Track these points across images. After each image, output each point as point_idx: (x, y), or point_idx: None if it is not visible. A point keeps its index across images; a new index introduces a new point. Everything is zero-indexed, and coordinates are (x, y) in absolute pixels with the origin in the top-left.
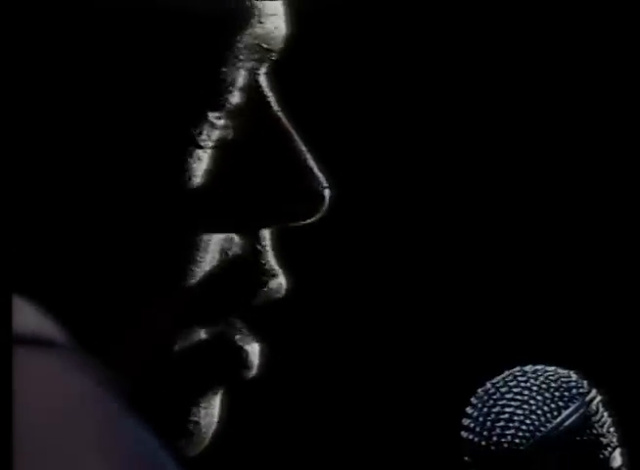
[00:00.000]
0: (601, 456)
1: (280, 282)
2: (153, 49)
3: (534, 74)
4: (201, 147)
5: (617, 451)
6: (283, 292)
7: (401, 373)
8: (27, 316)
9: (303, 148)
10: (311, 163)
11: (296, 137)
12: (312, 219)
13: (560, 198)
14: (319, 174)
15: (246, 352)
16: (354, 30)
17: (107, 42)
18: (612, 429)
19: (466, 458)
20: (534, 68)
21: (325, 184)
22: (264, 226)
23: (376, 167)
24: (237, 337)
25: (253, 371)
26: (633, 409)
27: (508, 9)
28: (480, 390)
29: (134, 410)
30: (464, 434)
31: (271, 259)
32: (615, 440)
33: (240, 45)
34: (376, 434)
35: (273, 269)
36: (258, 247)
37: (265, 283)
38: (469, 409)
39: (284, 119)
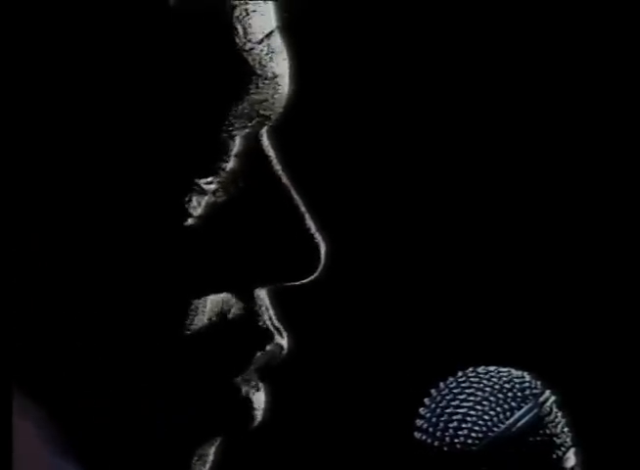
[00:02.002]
0: (554, 456)
1: (278, 344)
2: (141, 115)
3: (535, 76)
4: (190, 215)
5: (571, 451)
6: (283, 354)
7: (356, 376)
8: None
9: (302, 207)
10: (309, 222)
11: (294, 196)
12: (309, 279)
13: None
14: (316, 233)
15: (249, 403)
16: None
17: (99, 111)
18: (565, 429)
19: (419, 459)
20: (535, 69)
21: (322, 243)
22: (258, 285)
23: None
24: (241, 387)
25: (256, 423)
26: (587, 410)
27: (508, 9)
28: (432, 391)
29: None
30: (417, 435)
31: (270, 320)
32: (568, 440)
33: (234, 113)
34: (333, 439)
35: (271, 331)
36: (255, 308)
37: (263, 346)
38: (422, 410)
39: (283, 179)
